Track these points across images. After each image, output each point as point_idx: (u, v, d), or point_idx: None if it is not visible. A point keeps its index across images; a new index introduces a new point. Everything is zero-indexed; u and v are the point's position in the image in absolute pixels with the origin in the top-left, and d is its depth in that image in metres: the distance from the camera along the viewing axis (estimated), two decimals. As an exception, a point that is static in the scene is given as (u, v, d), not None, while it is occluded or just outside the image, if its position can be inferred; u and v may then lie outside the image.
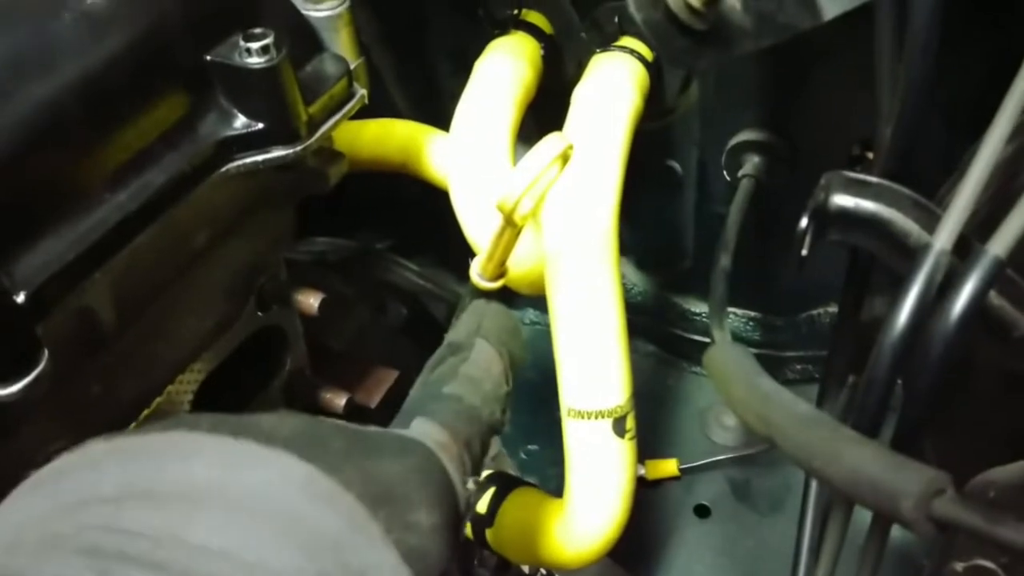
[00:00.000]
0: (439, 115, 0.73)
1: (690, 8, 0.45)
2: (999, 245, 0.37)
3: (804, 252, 0.44)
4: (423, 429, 0.42)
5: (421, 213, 0.76)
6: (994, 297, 0.42)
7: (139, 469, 0.34)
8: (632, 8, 0.45)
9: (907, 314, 0.39)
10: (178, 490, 0.33)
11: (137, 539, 0.30)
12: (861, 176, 0.44)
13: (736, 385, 0.47)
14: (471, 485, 0.41)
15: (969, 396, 0.53)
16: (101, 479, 0.33)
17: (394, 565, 0.33)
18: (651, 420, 0.88)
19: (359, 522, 0.34)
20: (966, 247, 0.41)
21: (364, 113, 0.63)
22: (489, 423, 0.46)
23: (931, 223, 0.43)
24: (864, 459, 0.37)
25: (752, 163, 0.72)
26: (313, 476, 0.34)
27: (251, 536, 0.31)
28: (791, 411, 0.42)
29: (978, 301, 0.37)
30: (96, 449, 0.35)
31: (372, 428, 0.40)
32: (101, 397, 0.56)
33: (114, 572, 0.29)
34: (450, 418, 0.43)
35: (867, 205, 0.44)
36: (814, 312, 0.85)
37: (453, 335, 0.51)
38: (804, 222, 0.44)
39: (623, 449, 0.59)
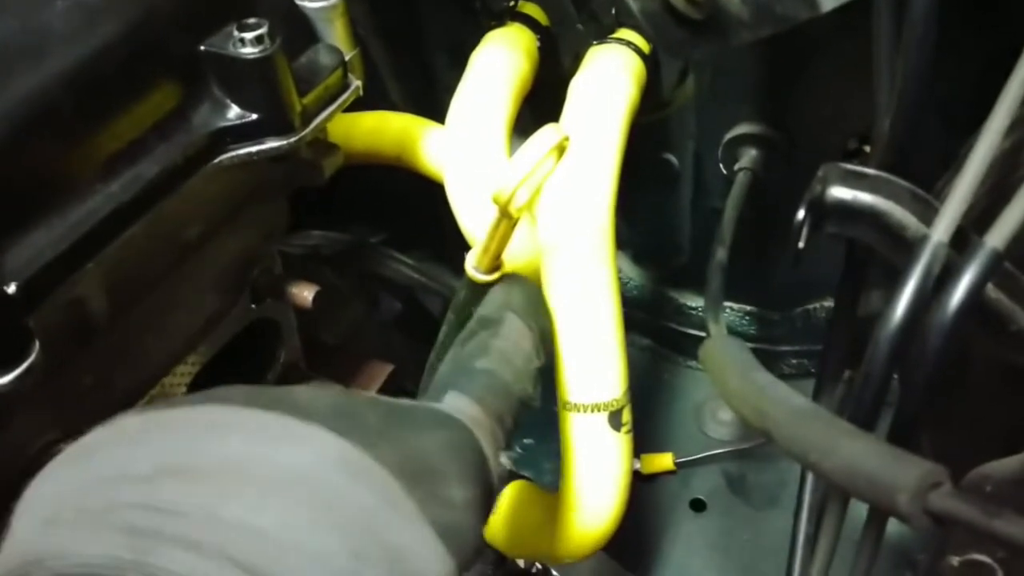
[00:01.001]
0: (435, 108, 0.73)
1: (687, -2, 0.45)
2: (997, 238, 0.37)
3: (801, 245, 0.44)
4: (456, 404, 0.41)
5: (415, 206, 0.76)
6: (991, 290, 0.42)
7: (174, 444, 0.33)
8: (629, -4, 0.45)
9: (904, 307, 0.39)
10: (213, 466, 0.32)
11: (174, 517, 0.30)
12: (858, 168, 0.44)
13: (732, 378, 0.47)
14: (505, 460, 0.41)
15: (966, 390, 0.53)
16: (135, 454, 0.33)
17: (430, 542, 0.33)
18: (647, 414, 0.88)
19: (394, 499, 0.33)
20: (964, 240, 0.41)
21: (359, 105, 0.63)
22: (521, 398, 0.46)
23: (929, 215, 0.43)
24: (860, 452, 0.36)
25: (749, 157, 0.72)
26: (348, 452, 0.34)
27: (288, 515, 0.31)
28: (787, 404, 0.42)
29: (976, 294, 0.37)
30: (130, 423, 0.35)
31: (406, 401, 0.40)
32: (93, 388, 0.56)
33: (152, 552, 0.29)
34: (483, 393, 0.43)
35: (864, 197, 0.44)
36: (810, 306, 0.85)
37: (483, 309, 0.50)
38: (801, 214, 0.44)
39: (619, 443, 0.59)
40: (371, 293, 1.03)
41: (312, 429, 0.34)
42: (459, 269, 0.60)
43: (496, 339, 0.47)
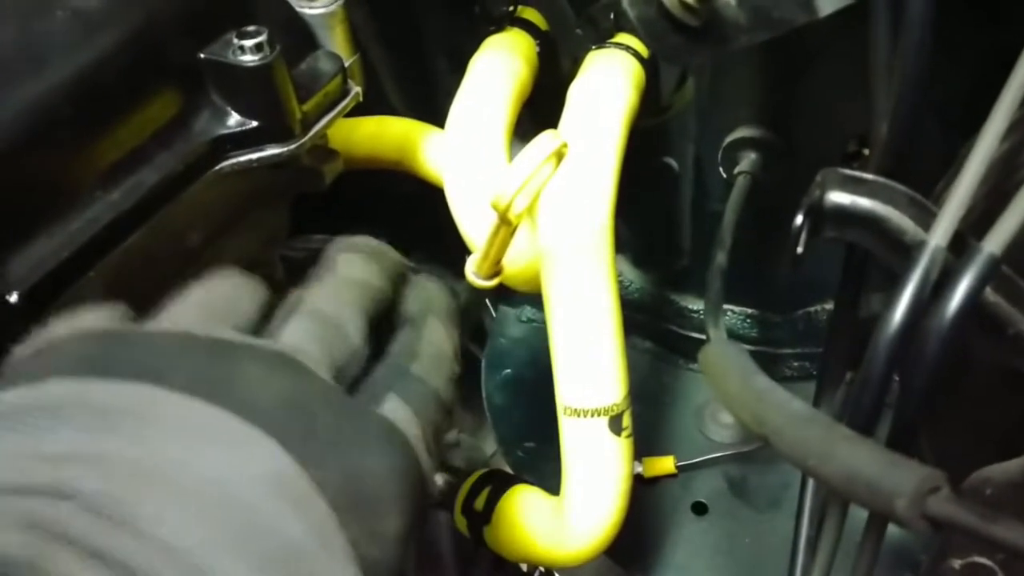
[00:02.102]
0: (435, 112, 0.73)
1: (684, 4, 0.45)
2: (994, 243, 0.37)
3: (800, 250, 0.44)
4: (399, 414, 0.38)
5: (417, 208, 0.76)
6: (990, 294, 0.42)
7: (96, 425, 0.30)
8: (625, 4, 0.45)
9: (902, 312, 0.39)
10: (132, 460, 0.30)
11: (81, 516, 0.27)
12: (857, 173, 0.44)
13: (731, 383, 0.47)
14: (440, 482, 0.39)
15: (966, 392, 0.53)
16: (56, 428, 0.30)
17: None
18: (648, 417, 0.88)
19: (326, 533, 0.31)
20: (962, 244, 0.41)
21: (359, 110, 0.63)
22: (448, 408, 0.43)
23: (927, 220, 0.43)
24: (858, 458, 0.36)
25: (748, 160, 0.72)
26: (287, 472, 0.31)
27: (205, 534, 0.28)
28: (785, 409, 0.42)
29: (973, 299, 0.37)
30: (57, 391, 0.32)
31: (361, 401, 0.37)
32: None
33: (50, 558, 0.26)
34: (419, 403, 0.39)
35: (863, 202, 0.44)
36: (811, 309, 0.85)
37: (405, 307, 0.46)
38: (799, 219, 0.44)
39: (620, 447, 0.59)
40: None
41: (253, 435, 0.31)
42: (460, 271, 0.60)
43: (422, 343, 0.43)
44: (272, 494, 0.30)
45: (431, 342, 0.44)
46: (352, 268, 0.46)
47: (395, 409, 0.38)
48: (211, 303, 0.42)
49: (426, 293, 0.47)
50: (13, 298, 0.43)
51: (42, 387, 0.32)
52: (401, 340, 0.43)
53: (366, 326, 0.42)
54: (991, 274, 0.38)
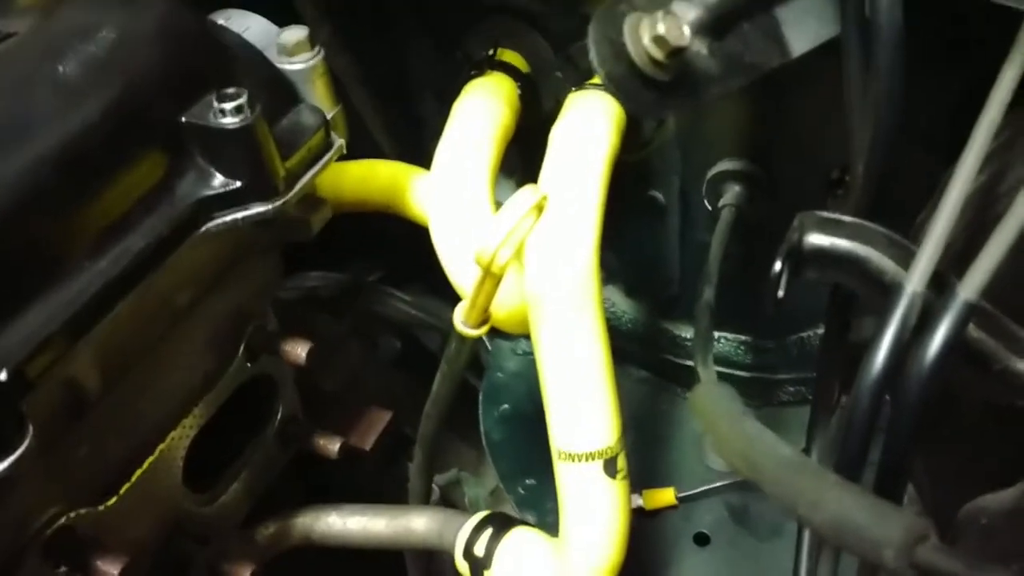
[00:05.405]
0: (421, 152, 0.73)
1: (654, 60, 0.45)
2: (969, 288, 0.38)
3: (780, 294, 0.44)
4: None
5: (411, 241, 0.76)
6: (973, 330, 0.42)
7: None
8: (596, 63, 0.45)
9: (883, 358, 0.39)
10: None
11: None
12: (834, 216, 0.45)
13: (720, 426, 0.47)
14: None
15: (958, 425, 0.53)
16: None
17: None
18: (646, 448, 0.88)
19: None
20: (942, 283, 0.41)
21: (346, 152, 0.63)
22: None
23: (906, 259, 0.43)
24: (847, 506, 0.37)
25: (732, 192, 0.72)
26: None
27: None
28: (774, 455, 0.42)
29: (950, 346, 0.37)
30: None
31: None
32: (90, 457, 0.56)
33: None
34: None
35: (842, 244, 0.45)
36: (804, 334, 0.85)
37: None
38: (778, 264, 0.44)
39: (615, 489, 0.59)
40: (369, 334, 1.04)
41: None
42: (455, 300, 0.60)
43: None
44: None
45: None
46: None
47: None
48: None
49: None
50: (2, 375, 0.44)
51: None
52: None
53: None
54: (967, 320, 0.38)
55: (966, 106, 0.48)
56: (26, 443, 0.44)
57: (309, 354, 0.67)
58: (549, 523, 0.71)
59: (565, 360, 0.57)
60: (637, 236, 0.83)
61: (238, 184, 0.55)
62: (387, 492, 0.86)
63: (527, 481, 0.85)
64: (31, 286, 0.48)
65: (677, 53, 0.45)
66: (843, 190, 0.72)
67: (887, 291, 0.43)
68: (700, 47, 0.47)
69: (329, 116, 0.63)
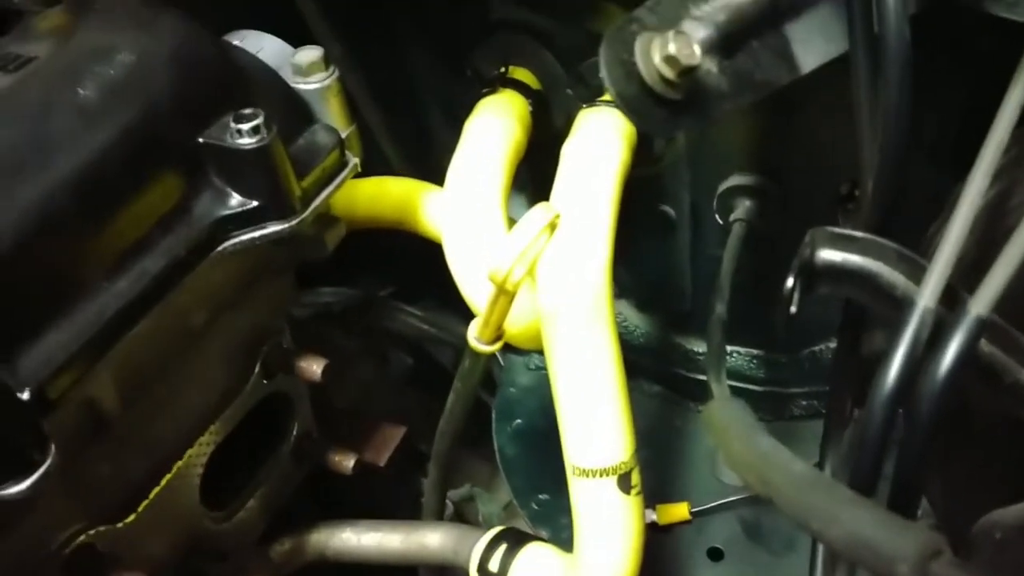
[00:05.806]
0: (434, 169, 0.74)
1: (664, 79, 0.46)
2: (981, 303, 0.38)
3: (793, 309, 0.45)
4: None
5: (421, 256, 0.77)
6: (985, 345, 0.42)
7: None
8: (608, 83, 0.46)
9: (895, 373, 0.39)
10: None
11: None
12: (846, 231, 0.45)
13: (734, 443, 0.47)
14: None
15: (972, 438, 0.53)
16: None
17: None
18: (660, 462, 0.88)
19: None
20: (953, 298, 0.42)
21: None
22: None
23: (918, 274, 0.43)
24: (861, 522, 0.37)
25: (743, 207, 0.73)
26: None
27: None
28: (788, 470, 0.42)
29: (962, 361, 0.38)
30: None
31: None
32: (112, 475, 0.57)
33: None
34: None
35: (854, 259, 0.45)
36: (816, 348, 0.85)
37: None
38: (790, 281, 0.44)
39: (629, 505, 0.59)
40: (381, 350, 1.04)
41: None
42: (467, 315, 0.60)
43: None
44: None
45: None
46: None
47: None
48: None
49: None
50: (25, 395, 0.44)
51: None
52: None
53: None
54: (979, 335, 0.38)
55: (973, 120, 0.48)
56: (49, 462, 0.45)
57: (324, 371, 0.68)
58: (563, 539, 0.71)
59: (578, 376, 0.57)
60: (649, 251, 0.84)
61: (255, 204, 0.56)
62: (401, 508, 0.86)
63: (541, 496, 0.85)
64: (52, 307, 0.48)
65: (688, 72, 0.46)
66: (853, 204, 0.73)
67: (899, 306, 0.44)
68: (711, 65, 0.47)
69: (344, 135, 0.63)
